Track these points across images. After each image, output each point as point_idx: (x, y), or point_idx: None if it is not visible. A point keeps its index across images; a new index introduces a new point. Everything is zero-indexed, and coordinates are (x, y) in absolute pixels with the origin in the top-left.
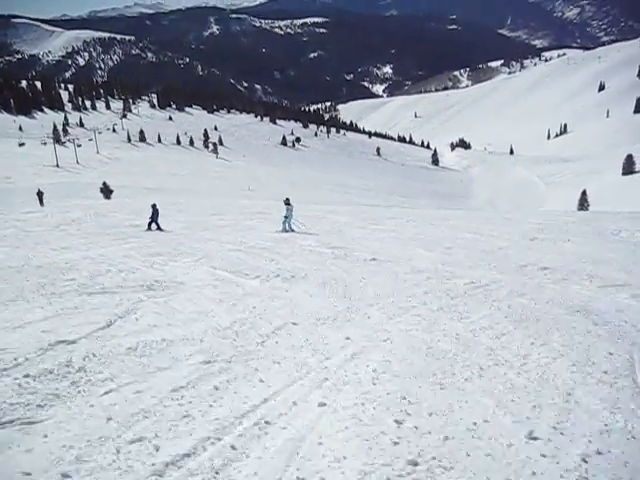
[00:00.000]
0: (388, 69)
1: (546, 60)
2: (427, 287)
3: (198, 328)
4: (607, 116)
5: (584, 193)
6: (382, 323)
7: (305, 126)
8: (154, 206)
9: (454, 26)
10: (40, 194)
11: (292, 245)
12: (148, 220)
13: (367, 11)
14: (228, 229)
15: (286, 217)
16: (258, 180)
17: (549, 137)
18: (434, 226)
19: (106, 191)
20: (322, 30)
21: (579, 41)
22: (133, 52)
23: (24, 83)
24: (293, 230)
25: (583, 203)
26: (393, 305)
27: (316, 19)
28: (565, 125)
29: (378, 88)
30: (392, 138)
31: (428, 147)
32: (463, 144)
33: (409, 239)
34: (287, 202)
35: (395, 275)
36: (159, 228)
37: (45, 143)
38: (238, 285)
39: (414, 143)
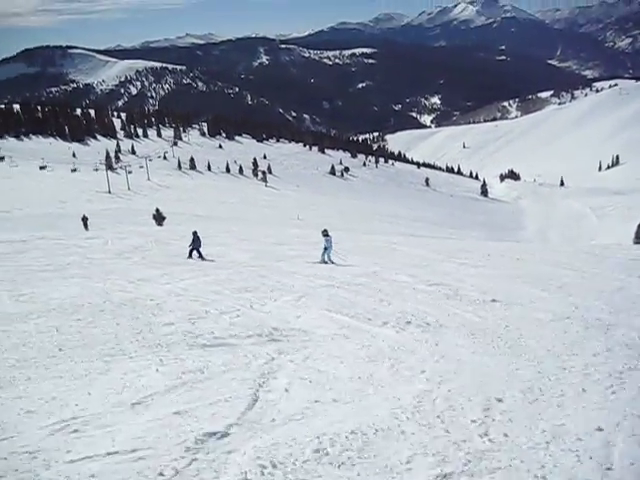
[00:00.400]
0: (436, 99)
1: (597, 90)
2: (607, 342)
3: (378, 407)
4: None
5: None
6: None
7: (354, 156)
8: (195, 233)
9: (503, 57)
10: (85, 219)
11: (388, 281)
12: (189, 248)
13: (415, 42)
14: (300, 260)
15: (325, 248)
16: (307, 209)
17: (600, 168)
18: (521, 261)
19: (159, 218)
20: (370, 60)
21: (631, 72)
22: (184, 81)
23: (78, 111)
24: (333, 262)
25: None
26: (605, 370)
27: (365, 50)
28: (617, 156)
29: (426, 118)
30: (440, 169)
31: (477, 178)
32: (512, 175)
33: (507, 276)
34: (325, 233)
35: (542, 323)
36: (201, 256)
37: (97, 169)
38: (373, 335)
39: (462, 174)
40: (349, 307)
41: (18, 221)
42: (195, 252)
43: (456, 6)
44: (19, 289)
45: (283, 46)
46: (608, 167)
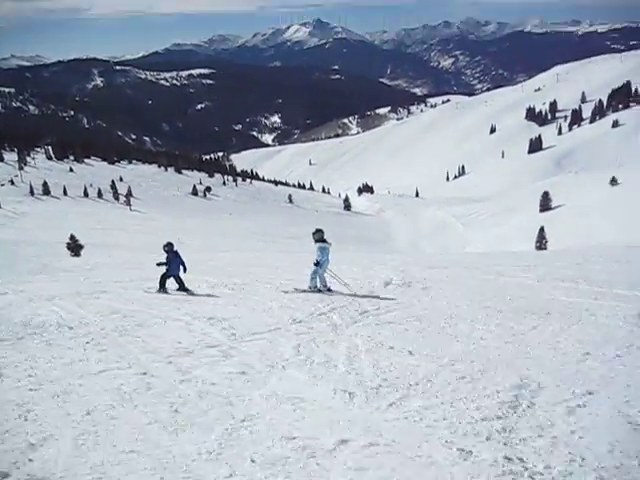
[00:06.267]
0: (276, 118)
1: (432, 106)
2: None
3: None
4: (502, 157)
5: (542, 230)
6: None
7: (211, 175)
8: (170, 248)
9: (337, 76)
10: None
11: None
12: (161, 273)
13: (251, 62)
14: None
15: (318, 264)
16: (183, 232)
17: (448, 179)
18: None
19: (75, 247)
20: (208, 81)
21: (455, 88)
22: (14, 105)
23: None
24: (328, 288)
25: (541, 240)
26: None
27: (202, 70)
28: (463, 166)
29: (267, 137)
30: (294, 186)
31: (329, 193)
32: (368, 189)
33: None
34: (321, 238)
35: None
36: (182, 287)
37: None
38: None
39: (314, 189)
40: None
41: None
42: (172, 279)
43: (289, 28)
44: None
45: (118, 67)
46: (455, 177)
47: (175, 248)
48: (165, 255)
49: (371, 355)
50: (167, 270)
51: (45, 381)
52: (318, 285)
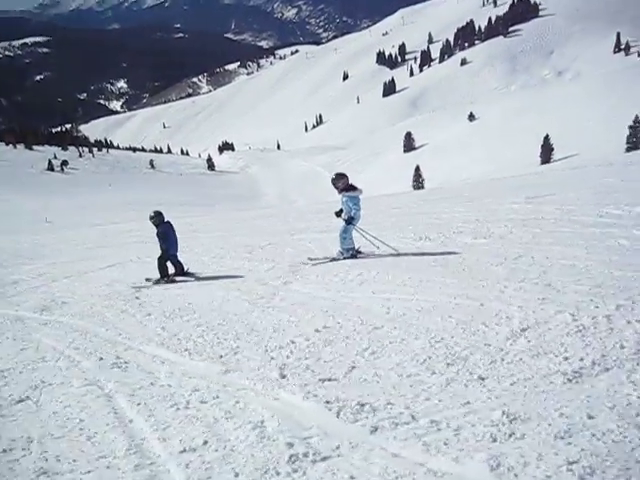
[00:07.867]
0: (123, 84)
1: (281, 58)
2: None
3: None
4: (358, 102)
5: (418, 169)
6: None
7: (65, 149)
8: (160, 219)
9: (180, 34)
10: None
11: None
12: (158, 257)
13: (89, 26)
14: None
15: (351, 220)
16: (48, 210)
17: (307, 129)
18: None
19: None
20: (45, 50)
21: (302, 39)
22: None
23: None
24: (358, 250)
25: (418, 179)
26: None
27: (36, 38)
28: (320, 115)
29: (115, 104)
30: (152, 151)
31: (188, 154)
32: (228, 146)
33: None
34: (347, 184)
35: None
36: (182, 270)
37: None
38: None
39: (171, 152)
40: None
41: None
42: (170, 264)
43: None
44: None
45: None
46: (314, 127)
47: (167, 219)
48: (156, 230)
49: None
50: (163, 250)
51: None
52: (353, 247)
